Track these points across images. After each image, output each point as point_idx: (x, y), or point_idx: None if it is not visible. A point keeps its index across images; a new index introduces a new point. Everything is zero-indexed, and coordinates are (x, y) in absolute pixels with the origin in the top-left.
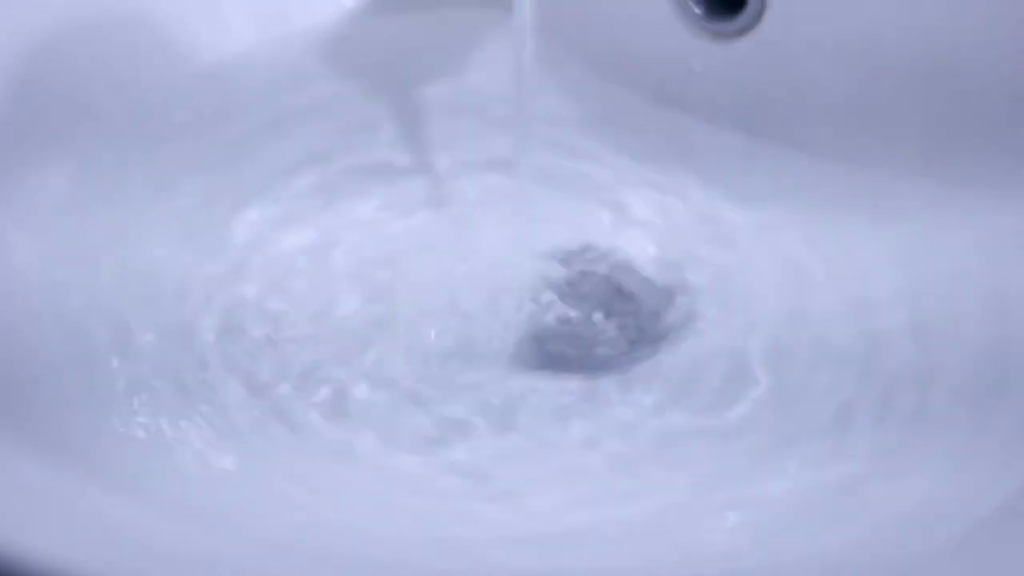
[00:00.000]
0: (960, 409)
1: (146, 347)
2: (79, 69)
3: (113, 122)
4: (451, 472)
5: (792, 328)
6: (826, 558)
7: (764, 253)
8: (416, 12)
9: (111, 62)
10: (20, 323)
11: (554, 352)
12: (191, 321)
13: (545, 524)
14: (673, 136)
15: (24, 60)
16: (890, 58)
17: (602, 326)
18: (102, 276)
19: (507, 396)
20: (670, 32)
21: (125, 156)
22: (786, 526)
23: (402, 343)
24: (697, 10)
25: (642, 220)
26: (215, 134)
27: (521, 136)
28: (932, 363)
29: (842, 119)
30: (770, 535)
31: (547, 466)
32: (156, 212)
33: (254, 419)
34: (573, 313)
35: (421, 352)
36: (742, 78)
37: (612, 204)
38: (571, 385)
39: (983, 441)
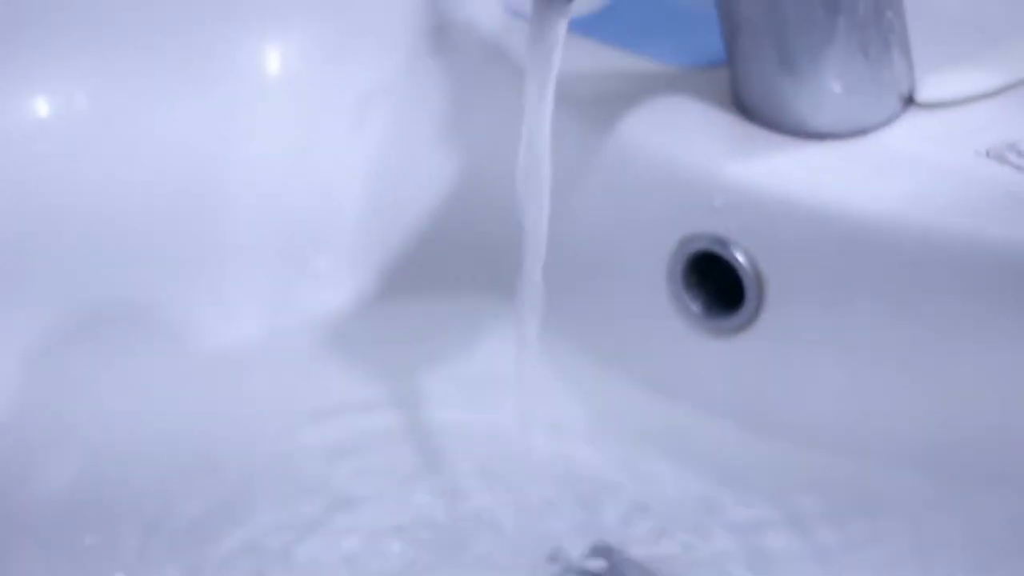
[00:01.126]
0: None
1: None
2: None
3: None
4: None
5: None
6: None
7: (755, 545)
8: (422, 300)
9: (114, 358)
10: None
11: None
12: None
13: None
14: (672, 428)
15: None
16: (888, 354)
17: None
18: None
19: None
20: (669, 328)
21: None
22: None
23: None
24: (695, 308)
25: (642, 507)
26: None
27: (522, 423)
28: None
29: (839, 414)
30: None
31: None
32: None
33: None
34: None
35: None
36: (741, 372)
37: (613, 492)
38: None
39: None
